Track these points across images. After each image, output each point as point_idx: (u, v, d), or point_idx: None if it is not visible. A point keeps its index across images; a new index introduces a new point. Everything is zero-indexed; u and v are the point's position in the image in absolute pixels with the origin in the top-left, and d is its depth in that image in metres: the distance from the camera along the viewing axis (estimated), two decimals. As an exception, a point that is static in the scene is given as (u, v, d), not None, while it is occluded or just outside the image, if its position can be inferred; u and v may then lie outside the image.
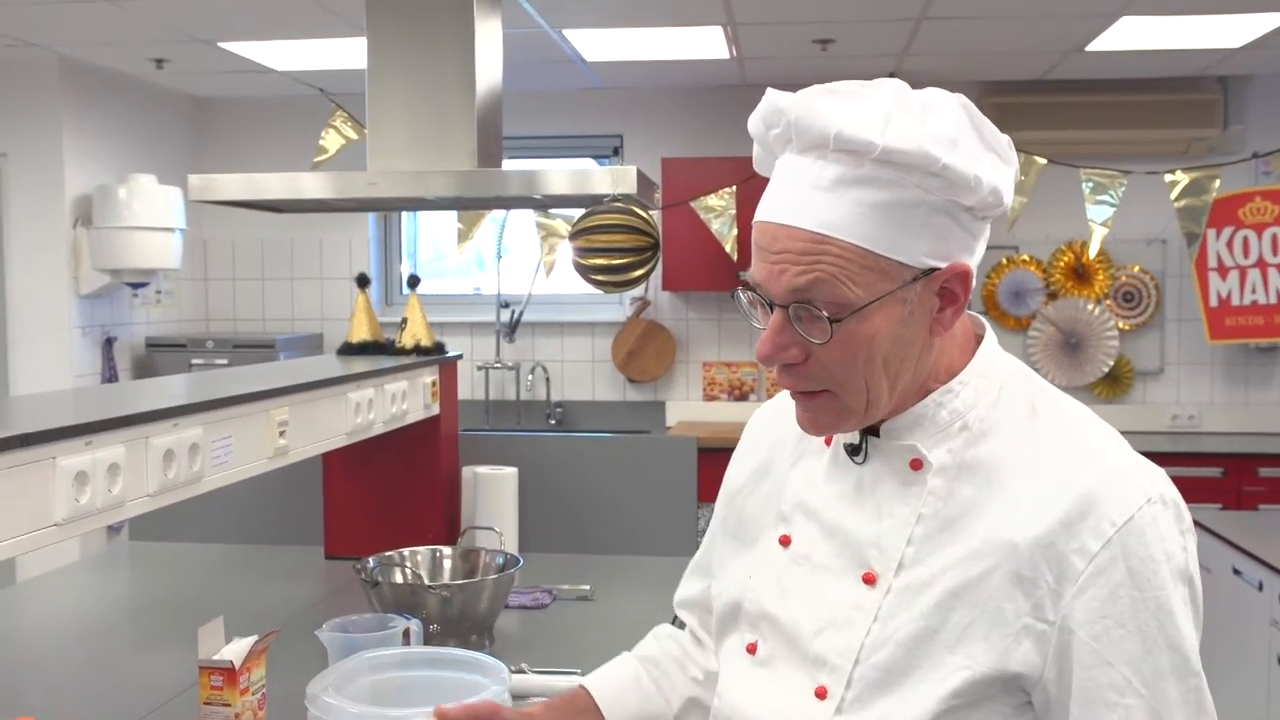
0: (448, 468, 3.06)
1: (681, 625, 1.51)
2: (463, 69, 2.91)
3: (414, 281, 3.18)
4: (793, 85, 1.14)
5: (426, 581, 2.40)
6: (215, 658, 1.65)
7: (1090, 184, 4.51)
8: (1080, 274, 5.79)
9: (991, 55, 5.06)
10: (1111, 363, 5.76)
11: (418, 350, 3.04)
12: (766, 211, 1.11)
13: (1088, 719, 1.05)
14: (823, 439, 1.23)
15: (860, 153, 1.05)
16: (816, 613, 1.16)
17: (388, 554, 2.44)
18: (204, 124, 6.25)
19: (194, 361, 5.44)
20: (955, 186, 1.06)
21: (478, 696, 1.45)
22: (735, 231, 5.37)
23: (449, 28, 2.92)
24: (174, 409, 1.77)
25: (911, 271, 1.08)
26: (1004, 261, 5.83)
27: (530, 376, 6.09)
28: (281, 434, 2.12)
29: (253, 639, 1.68)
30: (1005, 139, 1.13)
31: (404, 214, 6.36)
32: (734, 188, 5.37)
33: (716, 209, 5.37)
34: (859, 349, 1.09)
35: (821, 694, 1.13)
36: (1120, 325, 5.77)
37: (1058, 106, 5.57)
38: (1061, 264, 5.80)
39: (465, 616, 2.25)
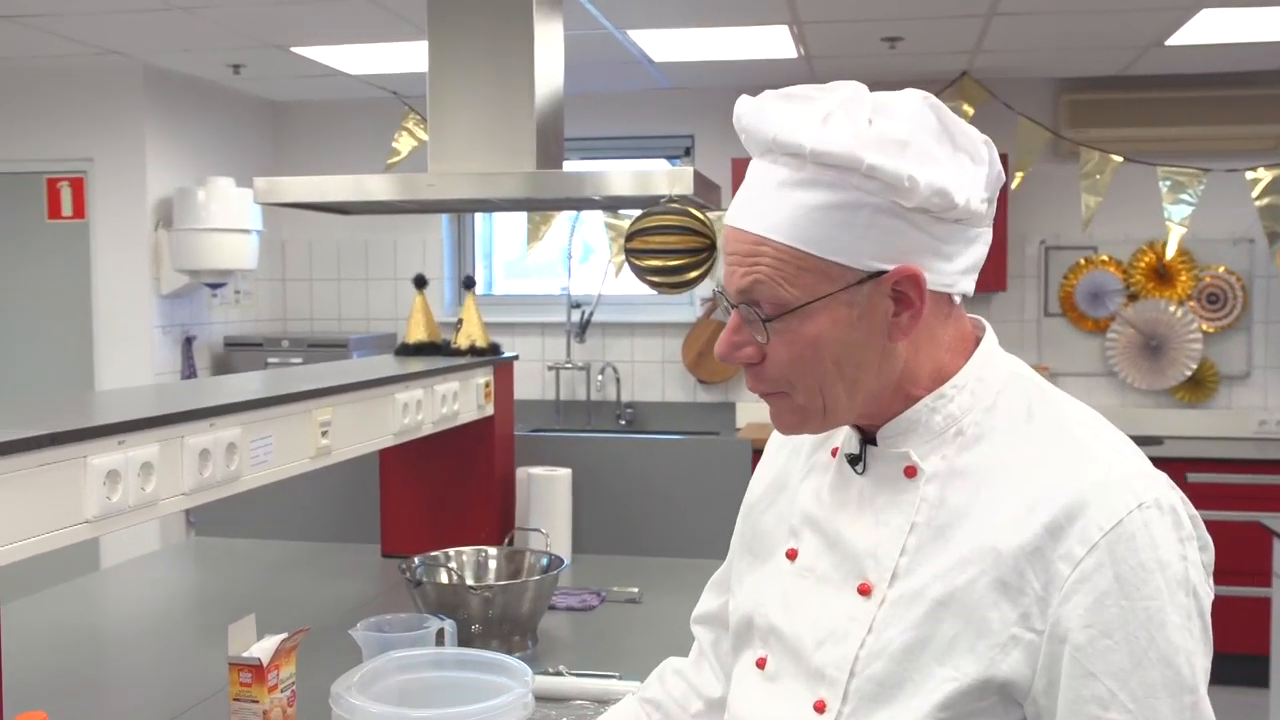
0: (502, 469, 3.08)
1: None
2: (522, 71, 2.92)
3: (469, 283, 3.20)
4: (863, 83, 1.14)
5: (470, 582, 2.42)
6: (244, 655, 1.68)
7: (1168, 183, 4.40)
8: (1162, 275, 5.64)
9: (1067, 51, 4.96)
10: (1194, 366, 5.60)
11: (473, 351, 3.06)
12: (728, 214, 1.14)
13: None
14: (829, 451, 1.23)
15: (800, 156, 1.07)
16: (818, 625, 1.15)
17: (433, 554, 2.46)
18: (281, 127, 6.37)
19: (269, 360, 5.54)
20: (891, 188, 1.05)
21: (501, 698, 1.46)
22: (804, 232, 5.33)
23: (509, 30, 2.93)
24: (210, 409, 1.80)
25: (855, 274, 1.08)
26: (1081, 262, 5.70)
27: (600, 377, 6.11)
28: (324, 434, 2.15)
29: (282, 636, 1.70)
30: (981, 138, 1.12)
31: (478, 215, 6.42)
32: (803, 188, 5.33)
33: (785, 209, 5.34)
34: (804, 350, 1.10)
35: (820, 708, 1.12)
36: (1204, 327, 5.61)
37: (1137, 103, 5.44)
38: (1142, 264, 5.66)
39: (507, 617, 2.26)
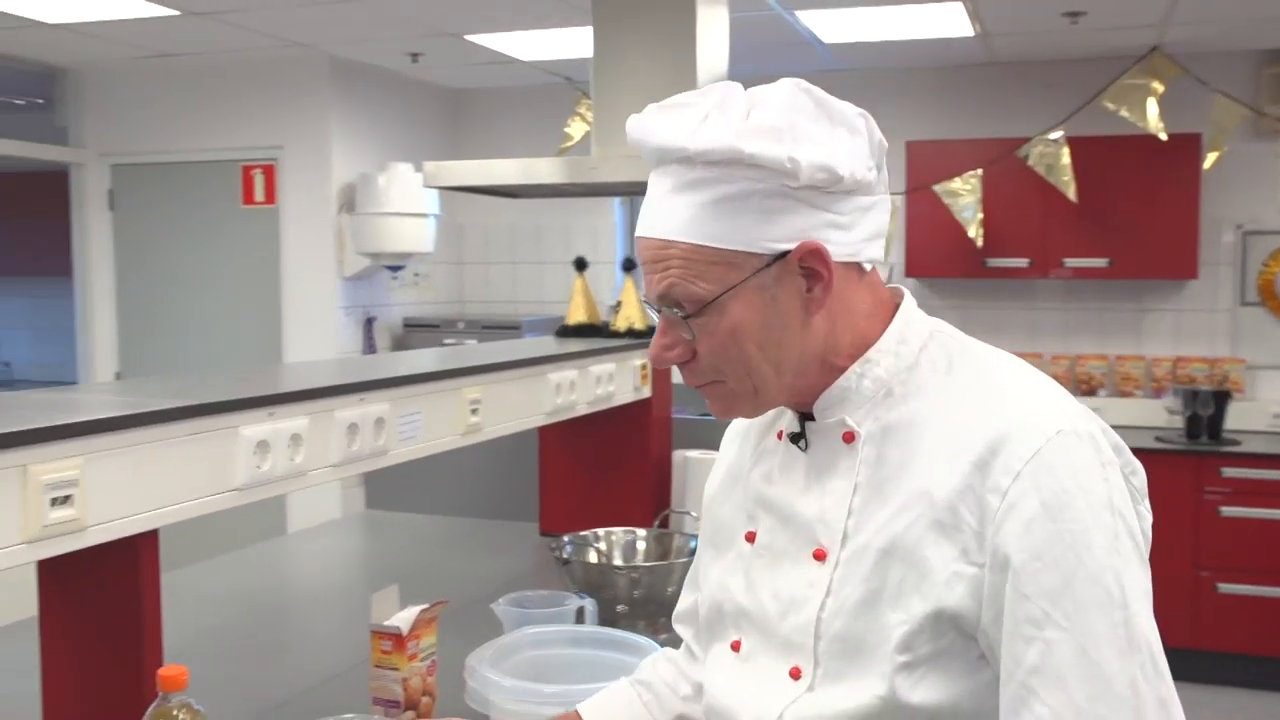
0: (658, 451, 3.08)
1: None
2: (685, 53, 2.92)
3: (629, 265, 3.21)
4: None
5: (617, 562, 2.43)
6: (385, 623, 1.72)
7: (1378, 161, 4.10)
8: (1373, 260, 5.27)
9: (1268, 21, 4.67)
10: None
11: (630, 333, 3.08)
12: (638, 227, 1.18)
13: (1010, 655, 1.04)
14: (775, 435, 1.27)
15: (687, 159, 1.12)
16: (779, 597, 1.19)
17: (583, 533, 2.48)
18: (459, 114, 6.52)
19: (445, 341, 5.69)
20: (775, 173, 1.10)
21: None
22: (980, 216, 5.18)
23: (673, 12, 2.93)
24: (359, 384, 1.86)
25: (761, 259, 1.12)
26: (1284, 246, 5.38)
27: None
28: (474, 412, 2.19)
29: (422, 607, 1.74)
30: (856, 111, 1.16)
31: (650, 199, 6.45)
32: (979, 171, 5.18)
33: (961, 193, 5.20)
34: (726, 339, 1.15)
35: (796, 674, 1.16)
36: None
37: (1347, 76, 5.09)
38: (1351, 249, 5.30)
39: (652, 598, 2.27)
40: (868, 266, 1.19)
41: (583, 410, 2.67)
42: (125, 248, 5.95)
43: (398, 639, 1.71)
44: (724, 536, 1.32)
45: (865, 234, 1.16)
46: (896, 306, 1.22)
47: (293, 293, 5.66)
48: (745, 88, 1.17)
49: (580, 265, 3.20)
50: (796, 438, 1.23)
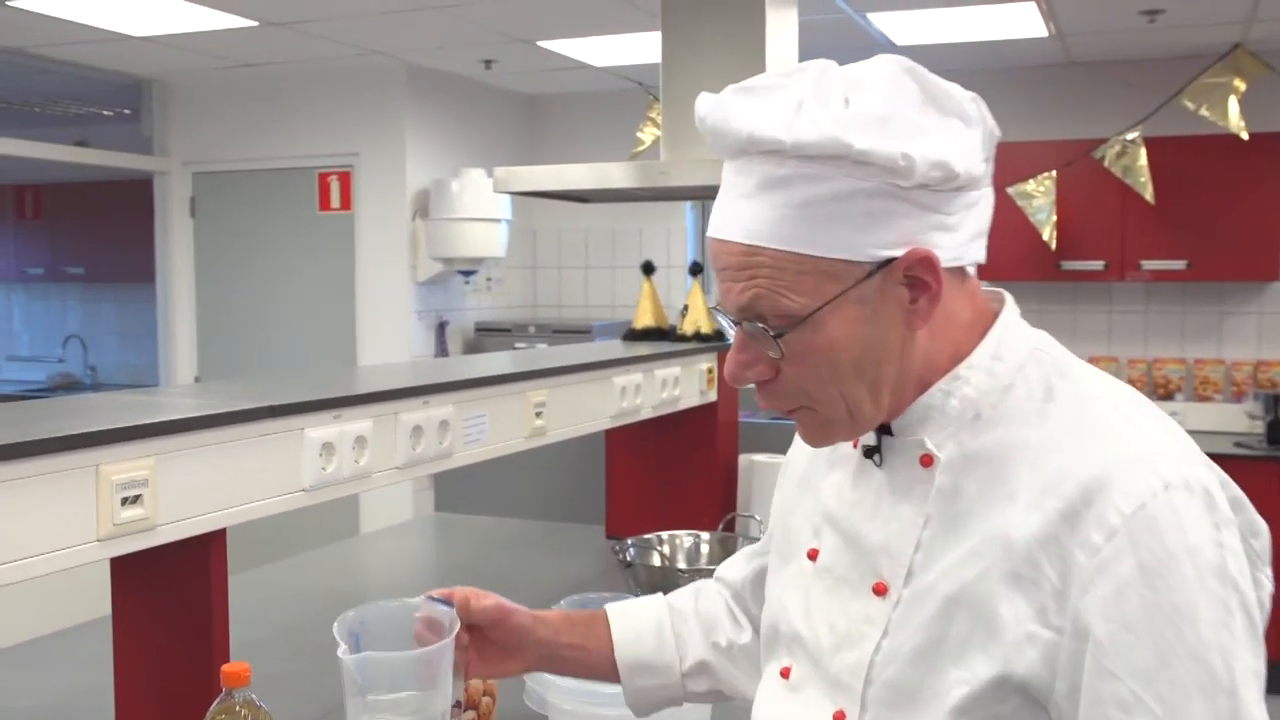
0: (724, 454, 3.09)
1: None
2: (753, 56, 2.92)
3: (696, 269, 3.22)
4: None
5: (680, 565, 2.44)
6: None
7: None
8: None
9: (1355, 19, 4.55)
10: None
11: (697, 337, 3.09)
12: (710, 225, 1.06)
13: None
14: (852, 441, 1.14)
15: (778, 152, 0.98)
16: (834, 630, 1.09)
17: (646, 536, 2.49)
18: (534, 119, 6.58)
19: (517, 345, 5.74)
20: (885, 171, 0.97)
21: None
22: (1054, 218, 5.10)
23: (742, 15, 2.94)
24: (423, 388, 1.89)
25: (862, 268, 0.99)
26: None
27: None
28: (538, 415, 2.21)
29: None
30: (968, 96, 1.03)
31: (722, 203, 6.46)
32: (1054, 173, 5.11)
33: (1035, 195, 5.13)
34: (820, 360, 1.02)
35: (840, 718, 1.06)
36: None
37: None
38: None
39: (715, 601, 2.27)
40: (970, 270, 1.06)
41: (648, 414, 2.69)
42: (205, 253, 6.09)
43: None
44: (790, 548, 1.21)
45: (970, 233, 1.03)
46: (995, 315, 1.08)
47: (367, 297, 5.75)
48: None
49: (648, 269, 3.22)
50: (871, 451, 1.10)
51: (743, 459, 3.11)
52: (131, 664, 1.61)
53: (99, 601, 2.50)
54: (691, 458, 3.07)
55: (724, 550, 2.51)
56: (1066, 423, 1.00)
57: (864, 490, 1.11)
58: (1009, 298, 1.11)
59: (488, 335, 5.99)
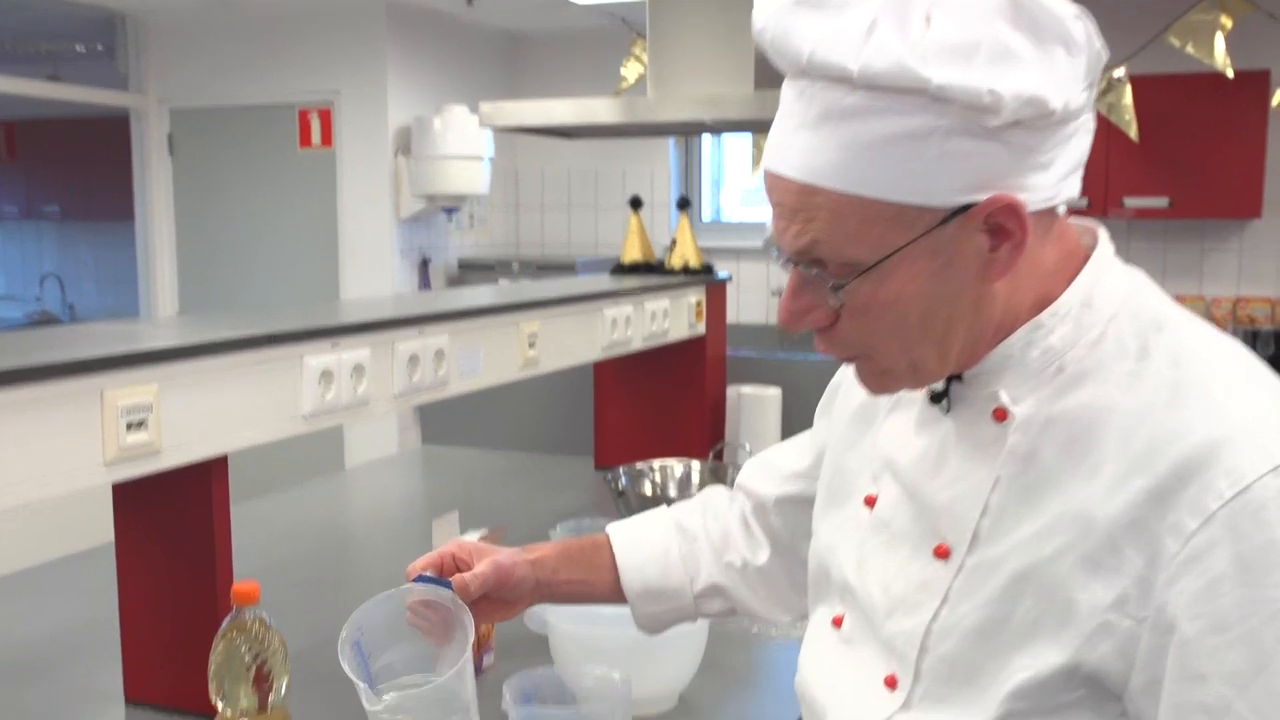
0: (713, 387, 3.11)
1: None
2: (741, -10, 2.91)
3: (684, 204, 3.22)
4: None
5: (672, 493, 2.47)
6: (447, 548, 1.77)
7: None
8: None
9: (1340, -46, 4.55)
10: None
11: (685, 271, 3.09)
12: (765, 152, 0.94)
13: None
14: None
15: (845, 80, 0.85)
16: (890, 590, 1.00)
17: (638, 465, 2.52)
18: (516, 58, 6.52)
19: (500, 281, 5.73)
20: (968, 108, 0.83)
21: None
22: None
23: (728, -52, 2.92)
24: (419, 317, 1.89)
25: (935, 214, 0.87)
26: (1352, 185, 5.28)
27: (825, 304, 6.07)
28: (531, 345, 2.22)
29: (482, 532, 1.78)
30: (1072, 12, 0.87)
31: (707, 144, 6.44)
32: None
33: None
34: (883, 314, 0.91)
35: (891, 683, 0.98)
36: None
37: None
38: None
39: (706, 529, 2.30)
40: (1062, 210, 0.93)
41: (638, 346, 2.70)
42: (185, 192, 6.04)
43: (459, 564, 1.76)
44: (842, 489, 1.12)
45: (1064, 170, 0.90)
46: (1085, 255, 0.96)
47: (349, 235, 5.72)
48: None
49: (635, 204, 3.22)
50: (938, 397, 0.99)
51: (731, 391, 3.13)
52: (136, 591, 1.63)
53: (91, 531, 2.52)
54: (680, 390, 3.09)
55: (715, 478, 2.54)
56: (1161, 388, 0.89)
57: (929, 439, 1.00)
58: (1103, 234, 0.99)
59: (471, 272, 5.99)
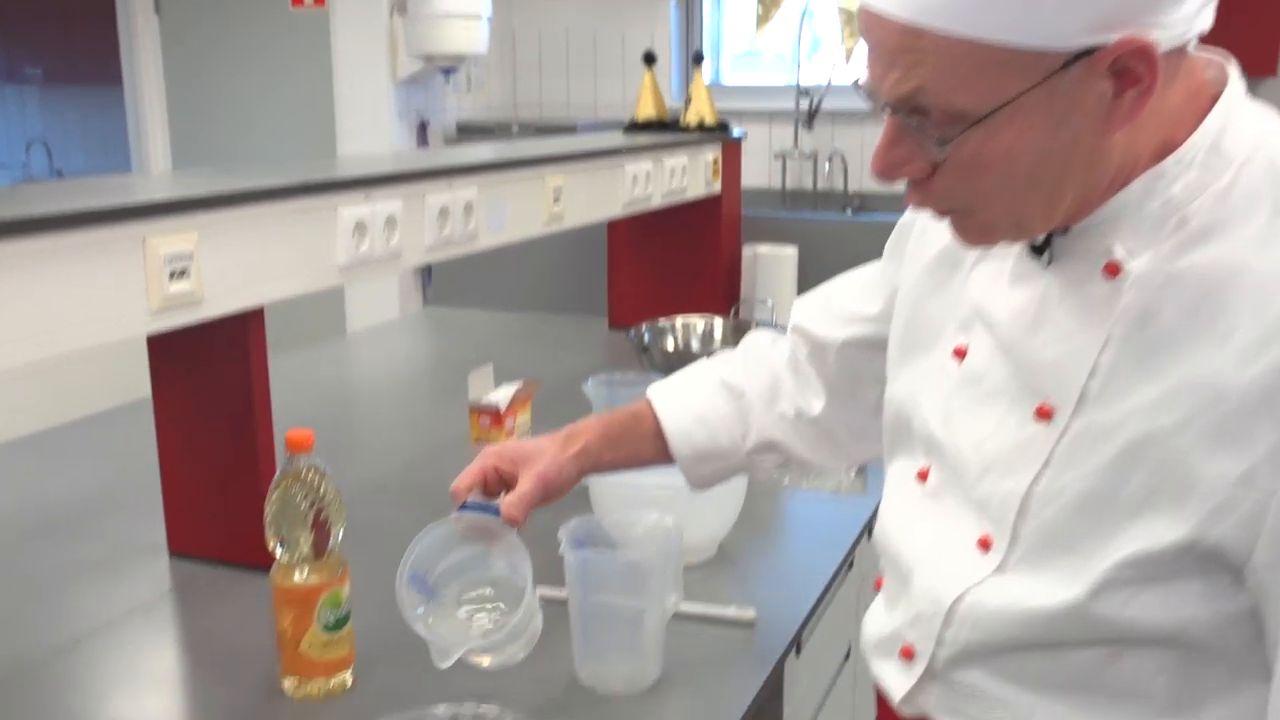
0: (728, 246, 3.08)
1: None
2: None
3: (698, 58, 3.16)
4: None
5: (695, 349, 2.46)
6: (484, 401, 1.76)
7: None
8: None
9: None
10: None
11: (701, 128, 3.04)
12: None
13: None
14: None
15: None
16: (982, 449, 0.95)
17: (661, 322, 2.51)
18: (511, -90, 6.32)
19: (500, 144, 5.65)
20: None
21: None
22: None
23: None
24: (449, 169, 1.86)
25: (1057, 58, 0.78)
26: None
27: (827, 165, 5.99)
28: (556, 200, 2.19)
29: (517, 385, 1.78)
30: None
31: (706, 5, 6.29)
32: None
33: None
34: (990, 168, 0.84)
35: (985, 545, 0.94)
36: None
37: None
38: None
39: (731, 385, 2.30)
40: (1192, 46, 0.85)
41: (657, 204, 2.67)
42: (173, 54, 5.89)
43: (495, 415, 1.76)
44: (923, 337, 1.05)
45: (1196, 5, 0.81)
46: (1214, 96, 0.87)
47: (345, 98, 5.60)
48: None
49: (649, 59, 3.15)
50: (1040, 249, 0.92)
51: (747, 250, 3.11)
52: (175, 445, 1.62)
53: (113, 391, 2.51)
54: (695, 251, 3.06)
55: (737, 335, 2.54)
56: None
57: (1027, 294, 0.93)
58: (1233, 69, 0.90)
59: (469, 135, 5.88)
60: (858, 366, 1.25)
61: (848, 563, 1.72)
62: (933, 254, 1.08)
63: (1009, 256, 0.97)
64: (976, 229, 0.91)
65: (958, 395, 0.99)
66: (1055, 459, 0.89)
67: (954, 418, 0.99)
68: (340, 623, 1.29)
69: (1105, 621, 0.86)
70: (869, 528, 1.82)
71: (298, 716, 1.27)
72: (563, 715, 1.26)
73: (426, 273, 5.36)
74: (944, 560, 0.97)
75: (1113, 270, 0.87)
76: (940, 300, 1.05)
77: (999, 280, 0.97)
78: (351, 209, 1.64)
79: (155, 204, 1.33)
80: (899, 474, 1.08)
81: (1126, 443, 0.85)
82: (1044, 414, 0.90)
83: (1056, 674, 0.90)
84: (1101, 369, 0.87)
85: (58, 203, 1.28)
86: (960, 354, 0.99)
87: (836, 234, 3.18)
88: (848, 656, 1.93)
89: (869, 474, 2.02)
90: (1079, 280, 0.89)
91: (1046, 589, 0.88)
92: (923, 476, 1.03)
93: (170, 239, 1.35)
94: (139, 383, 1.70)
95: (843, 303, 1.27)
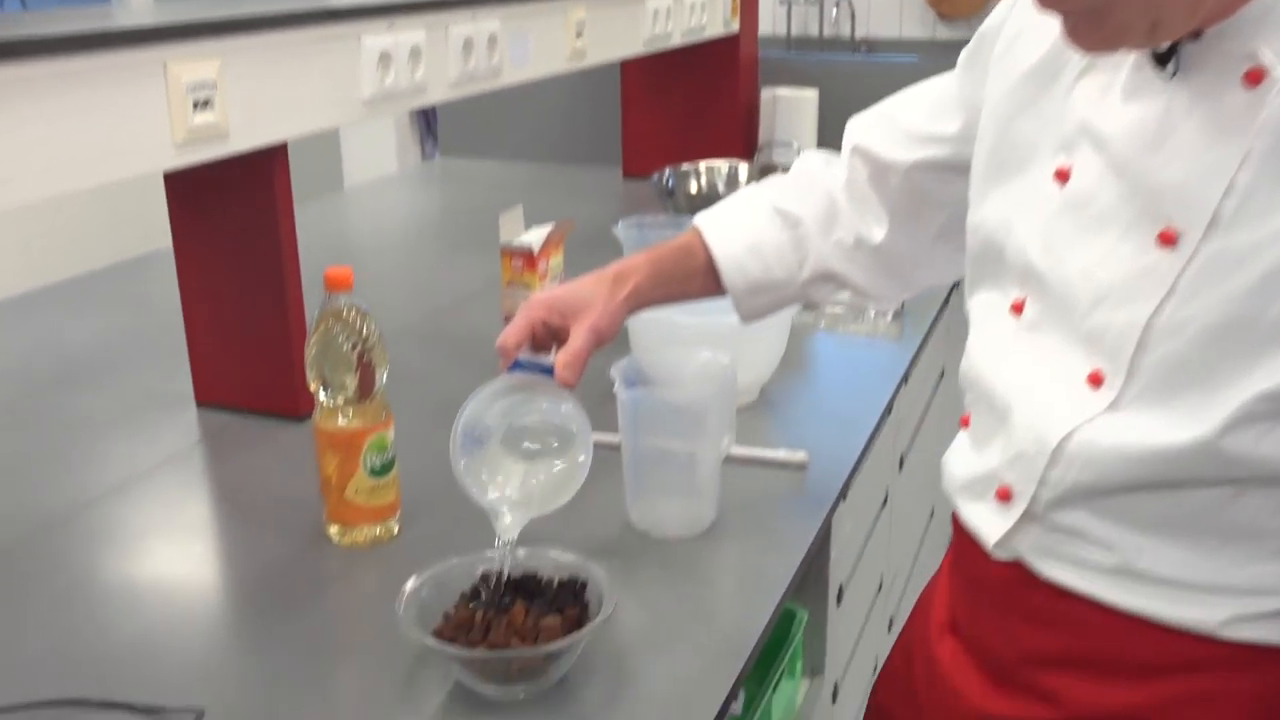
0: (746, 89, 2.98)
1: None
2: None
3: (715, -112, 3.00)
4: None
5: (722, 191, 2.39)
6: (515, 242, 1.70)
7: None
8: None
9: None
10: None
11: (717, -37, 2.91)
12: None
13: None
14: None
15: None
16: (1094, 277, 0.86)
17: (684, 166, 2.43)
18: None
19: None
20: None
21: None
22: None
23: None
24: (472, -2, 1.76)
25: None
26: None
27: (834, 10, 5.82)
28: (578, 35, 2.09)
29: (550, 226, 1.71)
30: None
31: None
32: None
33: None
34: None
35: (1096, 380, 0.86)
36: None
37: None
38: None
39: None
40: None
41: (677, 41, 2.56)
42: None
43: (528, 257, 1.69)
44: (1015, 157, 0.96)
45: None
46: None
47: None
48: None
49: (662, -110, 3.00)
50: (1165, 58, 0.82)
51: (765, 93, 3.01)
52: (198, 291, 1.56)
53: (126, 240, 2.43)
54: (712, 94, 2.96)
55: (763, 176, 2.46)
56: None
57: (1145, 108, 0.84)
58: None
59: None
60: (926, 190, 1.16)
61: (888, 408, 1.68)
62: (1024, 67, 0.97)
63: (1121, 68, 0.87)
64: (1101, 32, 0.79)
65: (1061, 220, 0.90)
66: (1180, 287, 0.81)
67: (1057, 245, 0.90)
68: (386, 467, 1.24)
69: (1235, 459, 0.80)
70: (906, 376, 1.78)
71: (345, 564, 1.23)
72: (618, 558, 1.22)
73: (425, 125, 5.22)
74: (1048, 397, 0.90)
75: (1255, 77, 0.77)
76: (1035, 117, 0.95)
77: (1109, 95, 0.87)
78: (375, 38, 1.55)
79: (175, 25, 1.24)
80: (988, 307, 1.00)
81: (1269, 267, 0.77)
82: (1167, 239, 0.81)
83: (1170, 515, 0.85)
84: (1238, 188, 0.78)
85: (64, 25, 1.19)
86: (1063, 176, 0.90)
87: (854, 75, 3.07)
88: (884, 504, 1.90)
89: (905, 319, 1.97)
90: (1212, 91, 0.80)
91: (1169, 426, 0.82)
92: (1018, 309, 0.94)
93: (192, 65, 1.26)
94: (153, 235, 1.63)
95: (912, 121, 1.17)
